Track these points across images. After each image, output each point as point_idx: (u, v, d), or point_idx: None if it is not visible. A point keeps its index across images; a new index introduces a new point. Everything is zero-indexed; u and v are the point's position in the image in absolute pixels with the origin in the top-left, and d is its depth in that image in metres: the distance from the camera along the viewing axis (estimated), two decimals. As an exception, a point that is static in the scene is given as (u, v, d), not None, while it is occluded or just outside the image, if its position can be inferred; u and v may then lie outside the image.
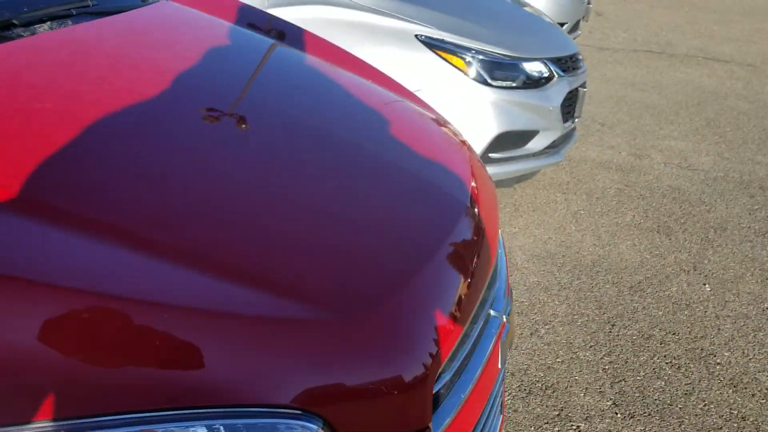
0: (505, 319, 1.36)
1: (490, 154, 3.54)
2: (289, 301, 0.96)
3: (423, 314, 1.08)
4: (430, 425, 1.04)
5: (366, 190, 1.32)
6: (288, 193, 1.21)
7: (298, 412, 0.91)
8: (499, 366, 1.32)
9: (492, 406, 1.36)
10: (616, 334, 2.89)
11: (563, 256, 3.46)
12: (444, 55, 3.39)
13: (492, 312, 1.35)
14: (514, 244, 3.51)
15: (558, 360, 2.70)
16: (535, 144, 3.69)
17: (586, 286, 3.20)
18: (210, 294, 0.92)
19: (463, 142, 1.70)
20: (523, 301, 3.04)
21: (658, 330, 2.93)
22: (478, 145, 3.47)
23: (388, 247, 1.17)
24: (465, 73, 3.40)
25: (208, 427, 0.87)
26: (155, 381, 0.87)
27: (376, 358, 0.99)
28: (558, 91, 3.69)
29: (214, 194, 1.13)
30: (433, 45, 3.39)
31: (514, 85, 3.52)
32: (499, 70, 3.49)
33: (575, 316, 2.97)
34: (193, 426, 0.86)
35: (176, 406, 0.85)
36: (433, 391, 1.07)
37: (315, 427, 0.93)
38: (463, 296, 1.19)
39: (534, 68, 3.61)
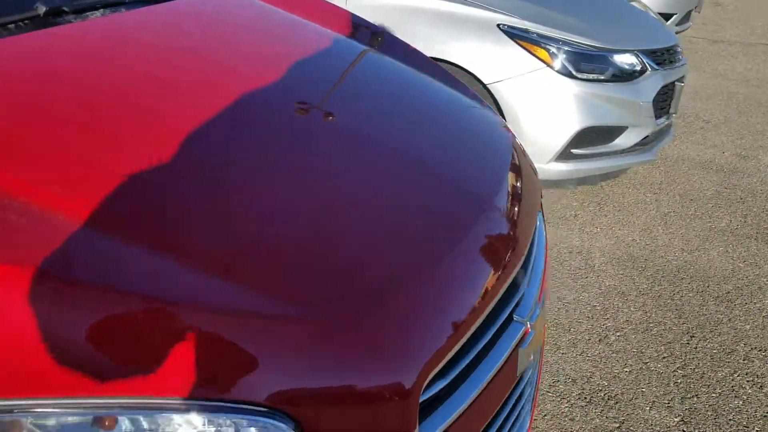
0: (529, 326, 1.29)
1: (572, 150, 3.39)
2: (270, 297, 0.94)
3: (416, 318, 1.02)
4: (416, 432, 0.99)
5: (396, 185, 1.28)
6: (314, 190, 1.19)
7: (268, 410, 0.89)
8: (517, 374, 1.25)
9: (510, 415, 1.28)
10: (694, 346, 2.70)
11: (646, 260, 3.27)
12: (527, 45, 3.27)
13: (515, 317, 1.27)
14: (594, 245, 3.35)
15: (626, 369, 2.55)
16: (624, 140, 3.51)
17: (667, 293, 3.01)
18: (184, 286, 0.91)
19: (511, 142, 1.62)
20: (595, 306, 2.90)
21: (742, 345, 2.72)
22: (559, 140, 3.33)
23: (396, 248, 1.12)
24: (549, 65, 3.27)
25: (176, 417, 0.87)
26: (127, 370, 0.87)
27: (358, 361, 0.95)
28: (650, 85, 3.48)
29: (226, 195, 1.12)
30: (515, 35, 3.28)
31: (601, 77, 3.35)
32: (586, 62, 3.32)
33: (651, 324, 2.80)
34: (157, 415, 0.86)
35: (142, 395, 0.85)
36: (425, 397, 1.02)
37: (285, 427, 0.90)
38: (470, 300, 1.12)
39: (625, 60, 3.42)
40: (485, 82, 3.29)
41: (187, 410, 0.87)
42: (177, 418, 0.87)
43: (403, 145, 1.40)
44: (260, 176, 1.16)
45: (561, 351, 2.60)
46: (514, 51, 3.27)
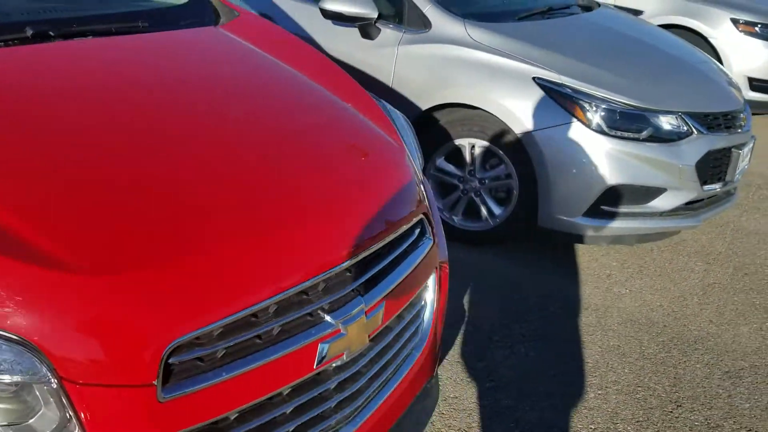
0: (341, 328, 1.40)
1: (602, 207, 3.35)
2: (36, 246, 1.16)
3: (177, 284, 1.19)
4: (155, 383, 1.15)
5: (237, 172, 1.49)
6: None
7: (16, 338, 1.10)
8: (314, 366, 1.36)
9: (311, 404, 1.39)
10: (677, 415, 2.57)
11: (664, 326, 3.14)
12: (560, 99, 3.31)
13: (327, 317, 1.39)
14: (614, 305, 3.27)
15: (590, 426, 2.49)
16: (662, 203, 3.41)
17: (673, 361, 2.88)
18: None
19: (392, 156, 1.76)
20: (587, 362, 2.84)
21: (731, 422, 2.55)
22: (587, 196, 3.31)
23: (199, 222, 1.31)
24: (580, 120, 3.28)
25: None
26: None
27: (109, 309, 1.14)
28: (693, 149, 3.38)
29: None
30: (549, 89, 3.34)
31: (638, 137, 3.30)
32: (622, 120, 3.30)
33: (639, 388, 2.70)
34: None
35: None
36: (182, 359, 1.18)
37: (36, 361, 1.10)
38: (253, 284, 1.27)
39: (666, 121, 3.36)
40: (516, 132, 3.36)
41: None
42: None
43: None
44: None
45: (532, 399, 2.59)
46: (546, 104, 3.32)
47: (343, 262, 1.43)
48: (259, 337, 1.30)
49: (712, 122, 3.50)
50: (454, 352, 2.80)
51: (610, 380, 2.74)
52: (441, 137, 3.61)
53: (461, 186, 3.63)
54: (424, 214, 1.74)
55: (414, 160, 1.99)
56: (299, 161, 1.58)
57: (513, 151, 3.43)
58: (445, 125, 3.59)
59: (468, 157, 3.58)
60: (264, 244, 1.34)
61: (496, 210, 3.58)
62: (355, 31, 3.78)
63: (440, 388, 2.57)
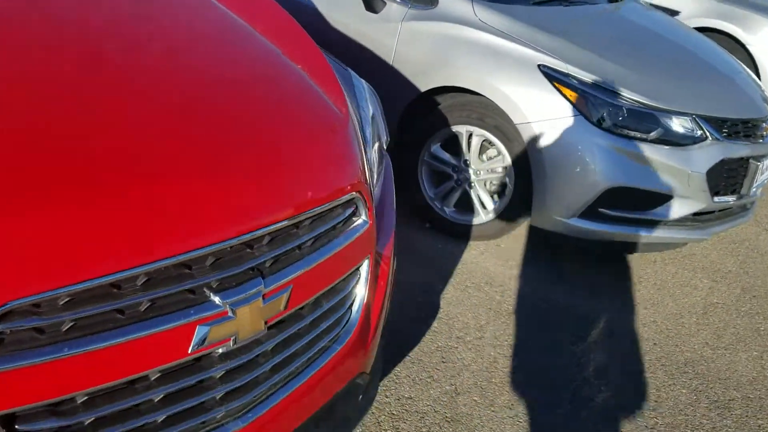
0: (228, 310, 1.21)
1: (600, 209, 3.10)
2: None
3: (12, 238, 1.01)
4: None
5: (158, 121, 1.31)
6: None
7: None
8: (189, 350, 1.18)
9: (171, 393, 1.20)
10: (650, 442, 2.35)
11: (654, 344, 2.90)
12: (564, 90, 3.08)
13: (213, 296, 1.20)
14: (602, 315, 3.03)
15: (552, 445, 2.28)
16: (667, 211, 3.15)
17: (656, 383, 2.65)
18: None
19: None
20: (561, 375, 2.62)
21: (711, 456, 2.32)
22: (584, 196, 3.06)
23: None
24: (583, 114, 3.04)
25: None
26: None
27: None
28: (706, 155, 3.11)
29: None
30: (554, 78, 3.10)
31: (645, 137, 3.05)
32: (630, 118, 3.05)
33: (615, 409, 2.48)
34: None
35: None
36: (6, 326, 1.00)
37: None
38: (114, 252, 1.09)
39: (680, 123, 3.10)
40: (514, 121, 3.13)
41: None
42: None
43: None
44: None
45: (492, 408, 2.38)
46: (549, 94, 3.08)
47: (239, 235, 1.24)
48: (120, 311, 1.12)
49: (730, 129, 3.23)
50: (419, 350, 2.60)
51: (583, 396, 2.52)
52: (438, 122, 3.39)
53: (455, 176, 3.41)
54: (359, 192, 1.53)
55: (365, 135, 1.78)
56: (212, 115, 1.38)
57: (510, 143, 3.20)
58: (444, 110, 3.37)
59: (464, 146, 3.36)
60: (138, 202, 1.15)
61: (490, 204, 3.35)
62: (359, 3, 3.58)
63: (395, 386, 2.38)
